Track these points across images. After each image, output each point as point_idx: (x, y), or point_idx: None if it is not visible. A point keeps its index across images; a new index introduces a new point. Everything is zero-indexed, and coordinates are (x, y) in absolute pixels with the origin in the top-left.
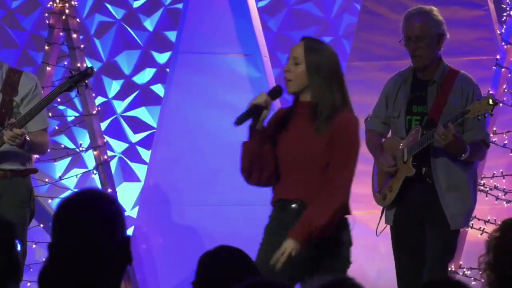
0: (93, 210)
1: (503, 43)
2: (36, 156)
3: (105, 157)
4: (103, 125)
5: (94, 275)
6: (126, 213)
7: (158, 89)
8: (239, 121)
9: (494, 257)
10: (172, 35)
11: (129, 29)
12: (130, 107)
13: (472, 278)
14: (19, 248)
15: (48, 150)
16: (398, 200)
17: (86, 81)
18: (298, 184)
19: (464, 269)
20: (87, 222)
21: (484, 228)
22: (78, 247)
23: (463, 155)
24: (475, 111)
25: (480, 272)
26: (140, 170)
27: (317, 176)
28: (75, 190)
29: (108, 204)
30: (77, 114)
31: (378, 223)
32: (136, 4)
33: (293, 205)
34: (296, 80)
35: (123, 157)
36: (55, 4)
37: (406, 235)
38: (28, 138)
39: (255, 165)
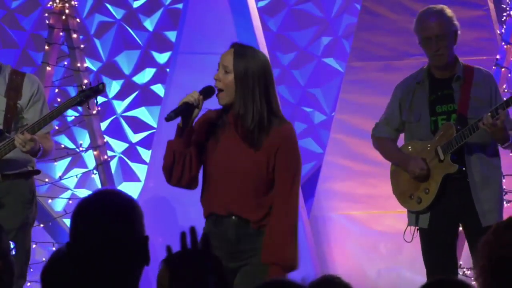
0: (112, 209)
1: (503, 43)
2: None
3: (105, 157)
4: (103, 125)
5: (111, 274)
6: None
7: (158, 89)
8: (169, 117)
9: (489, 262)
10: (172, 35)
11: (129, 29)
12: (130, 107)
13: (472, 278)
14: (13, 251)
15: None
16: (434, 202)
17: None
18: (231, 199)
19: (464, 269)
20: (105, 221)
21: None
22: (96, 247)
23: (506, 143)
24: None
25: (475, 277)
26: (140, 170)
27: (250, 191)
28: (76, 190)
29: (127, 203)
30: (77, 114)
31: (406, 229)
32: (136, 4)
33: (233, 217)
34: (227, 91)
35: (123, 157)
36: (55, 4)
37: (441, 236)
38: (41, 146)
39: (177, 166)
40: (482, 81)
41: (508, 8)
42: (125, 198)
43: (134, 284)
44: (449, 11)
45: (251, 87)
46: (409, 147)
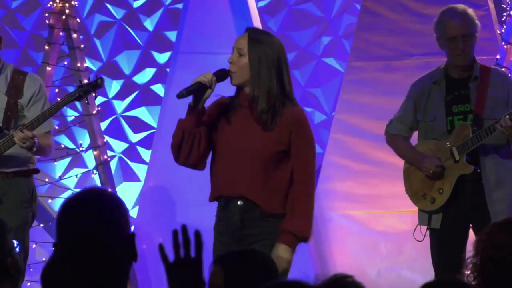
0: (96, 208)
1: (503, 43)
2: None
3: (105, 157)
4: (103, 125)
5: (99, 272)
6: None
7: (158, 89)
8: (181, 95)
9: (480, 260)
10: (172, 35)
11: (129, 29)
12: (130, 107)
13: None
14: (17, 249)
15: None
16: (447, 202)
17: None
18: (239, 180)
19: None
20: (90, 219)
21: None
22: (82, 245)
23: None
24: None
25: (467, 273)
26: (140, 170)
27: (259, 171)
28: (76, 190)
29: (111, 201)
30: (77, 114)
31: (416, 228)
32: (136, 4)
33: (239, 202)
34: (240, 72)
35: (123, 157)
36: (55, 4)
37: (453, 237)
38: (37, 141)
39: (186, 144)
40: (499, 82)
41: (508, 8)
42: (110, 197)
43: (123, 280)
44: (471, 11)
45: (265, 70)
46: (421, 146)
